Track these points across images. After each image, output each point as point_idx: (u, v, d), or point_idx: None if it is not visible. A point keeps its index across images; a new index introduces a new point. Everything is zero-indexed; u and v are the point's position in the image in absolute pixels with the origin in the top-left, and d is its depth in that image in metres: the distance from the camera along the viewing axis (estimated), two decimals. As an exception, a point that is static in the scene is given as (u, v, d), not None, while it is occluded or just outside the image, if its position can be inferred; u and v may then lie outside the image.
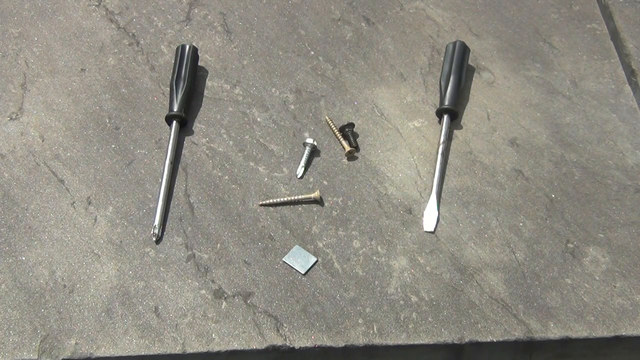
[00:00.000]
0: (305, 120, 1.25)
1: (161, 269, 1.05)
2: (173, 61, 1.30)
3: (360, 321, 1.00)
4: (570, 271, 1.06)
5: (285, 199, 1.12)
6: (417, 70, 1.33)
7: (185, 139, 1.21)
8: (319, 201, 1.13)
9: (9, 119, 1.23)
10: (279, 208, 1.13)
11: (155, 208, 1.11)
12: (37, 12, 1.41)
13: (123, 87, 1.29)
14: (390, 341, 0.98)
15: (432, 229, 1.10)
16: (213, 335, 0.98)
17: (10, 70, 1.31)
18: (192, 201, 1.13)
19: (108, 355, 0.96)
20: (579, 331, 0.99)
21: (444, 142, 1.20)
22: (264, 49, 1.36)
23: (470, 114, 1.26)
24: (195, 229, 1.10)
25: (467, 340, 0.99)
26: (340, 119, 1.25)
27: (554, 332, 0.99)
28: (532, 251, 1.08)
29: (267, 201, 1.12)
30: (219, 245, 1.08)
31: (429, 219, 1.11)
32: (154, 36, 1.38)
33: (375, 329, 0.99)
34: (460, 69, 1.27)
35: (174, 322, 1.00)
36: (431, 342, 0.98)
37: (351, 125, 1.21)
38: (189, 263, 1.06)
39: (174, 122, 1.20)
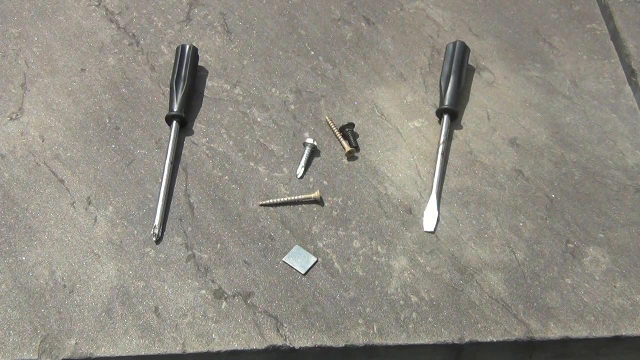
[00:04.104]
0: (305, 120, 1.25)
1: (161, 269, 1.05)
2: (173, 61, 1.30)
3: (360, 321, 1.00)
4: (570, 271, 1.06)
5: (285, 199, 1.12)
6: (417, 70, 1.33)
7: (185, 139, 1.21)
8: (319, 201, 1.13)
9: (9, 119, 1.23)
10: (279, 208, 1.13)
11: (155, 208, 1.11)
12: (37, 12, 1.41)
13: (123, 87, 1.29)
14: (390, 341, 0.98)
15: (432, 229, 1.10)
16: (213, 335, 0.98)
17: (10, 70, 1.31)
18: (192, 201, 1.13)
19: (108, 355, 0.97)
20: (579, 331, 0.99)
21: (444, 142, 1.20)
22: (264, 49, 1.36)
23: (470, 114, 1.26)
24: (195, 229, 1.10)
25: (467, 340, 0.99)
26: (340, 119, 1.25)
27: (554, 332, 0.99)
28: (532, 251, 1.08)
29: (267, 201, 1.12)
30: (219, 245, 1.08)
31: (429, 219, 1.11)
32: (154, 36, 1.38)
33: (375, 329, 0.99)
34: (460, 69, 1.27)
35: (174, 322, 1.00)
36: (431, 342, 0.98)
37: (351, 125, 1.21)
38: (189, 263, 1.06)
39: (174, 122, 1.20)
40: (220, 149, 1.20)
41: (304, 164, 1.17)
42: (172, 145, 1.18)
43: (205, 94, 1.29)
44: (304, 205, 1.13)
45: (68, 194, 1.13)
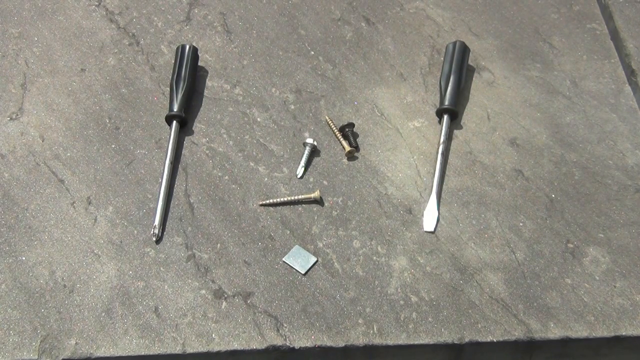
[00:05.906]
0: (305, 120, 1.25)
1: (161, 269, 1.05)
2: (173, 61, 1.30)
3: (360, 321, 1.00)
4: (570, 271, 1.06)
5: (285, 199, 1.12)
6: (417, 70, 1.33)
7: (185, 139, 1.21)
8: (319, 201, 1.13)
9: (9, 119, 1.23)
10: (279, 208, 1.13)
11: (155, 208, 1.11)
12: (37, 12, 1.41)
13: (123, 87, 1.29)
14: (390, 341, 0.98)
15: (432, 229, 1.10)
16: (213, 335, 0.99)
17: (10, 70, 1.31)
18: (192, 201, 1.13)
19: (108, 355, 0.97)
20: (579, 331, 1.00)
21: (444, 142, 1.20)
22: (264, 49, 1.36)
23: (470, 114, 1.26)
24: (195, 229, 1.10)
25: (467, 340, 0.99)
26: (340, 119, 1.25)
27: (554, 332, 0.99)
28: (532, 251, 1.08)
29: (267, 201, 1.12)
30: (219, 245, 1.08)
31: (429, 219, 1.11)
32: (154, 36, 1.38)
33: (375, 329, 0.99)
34: (460, 69, 1.27)
35: (174, 322, 1.00)
36: (431, 342, 0.98)
37: (351, 125, 1.21)
38: (189, 263, 1.06)
39: (174, 122, 1.20)
40: (220, 149, 1.20)
41: (304, 164, 1.17)
42: (172, 145, 1.18)
43: (205, 94, 1.29)
44: (304, 205, 1.13)
45: (68, 194, 1.13)
